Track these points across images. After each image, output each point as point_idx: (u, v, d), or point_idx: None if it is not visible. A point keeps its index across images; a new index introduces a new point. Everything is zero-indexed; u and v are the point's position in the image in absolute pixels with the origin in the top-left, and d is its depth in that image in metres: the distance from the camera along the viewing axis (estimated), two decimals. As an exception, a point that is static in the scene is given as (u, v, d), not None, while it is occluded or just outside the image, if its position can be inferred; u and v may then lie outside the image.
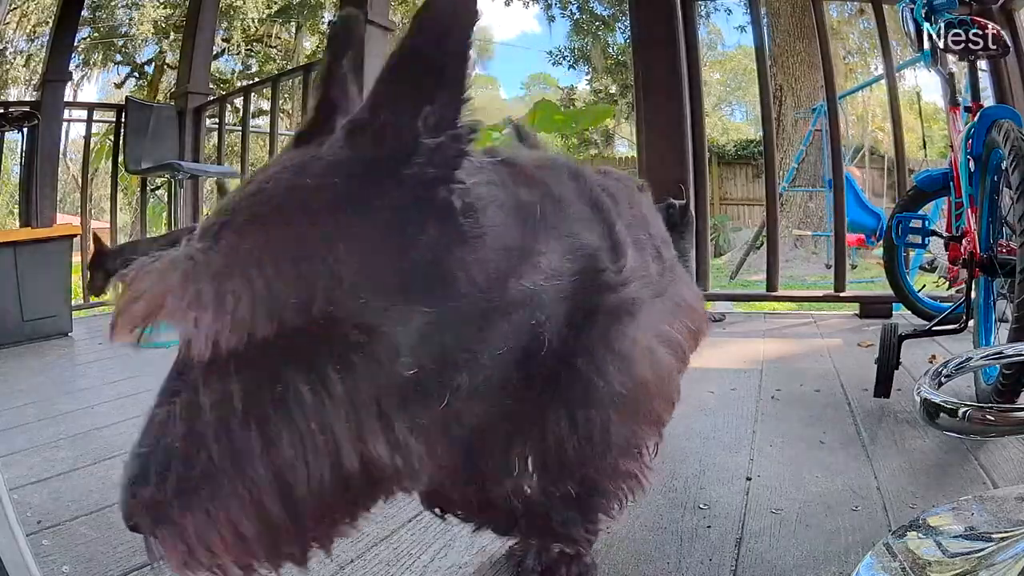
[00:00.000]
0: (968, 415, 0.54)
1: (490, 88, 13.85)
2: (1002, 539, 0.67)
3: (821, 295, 3.07)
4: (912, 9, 1.82)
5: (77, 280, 3.46)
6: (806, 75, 7.87)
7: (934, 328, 1.68)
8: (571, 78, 12.06)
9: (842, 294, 2.89)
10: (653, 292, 0.77)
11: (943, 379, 0.67)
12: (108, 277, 0.47)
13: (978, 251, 1.54)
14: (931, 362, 1.84)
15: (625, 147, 11.55)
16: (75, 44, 4.26)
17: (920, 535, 0.78)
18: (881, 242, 3.04)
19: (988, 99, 2.37)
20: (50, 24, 3.81)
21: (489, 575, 0.88)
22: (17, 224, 3.91)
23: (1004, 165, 1.38)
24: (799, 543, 0.93)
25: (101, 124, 5.04)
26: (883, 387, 1.56)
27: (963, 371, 0.74)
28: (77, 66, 9.91)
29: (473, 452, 0.64)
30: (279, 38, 11.27)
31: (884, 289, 2.62)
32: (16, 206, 4.35)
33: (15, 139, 4.15)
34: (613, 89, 11.48)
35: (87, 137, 4.10)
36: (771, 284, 2.94)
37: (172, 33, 9.89)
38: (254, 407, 0.45)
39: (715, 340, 2.30)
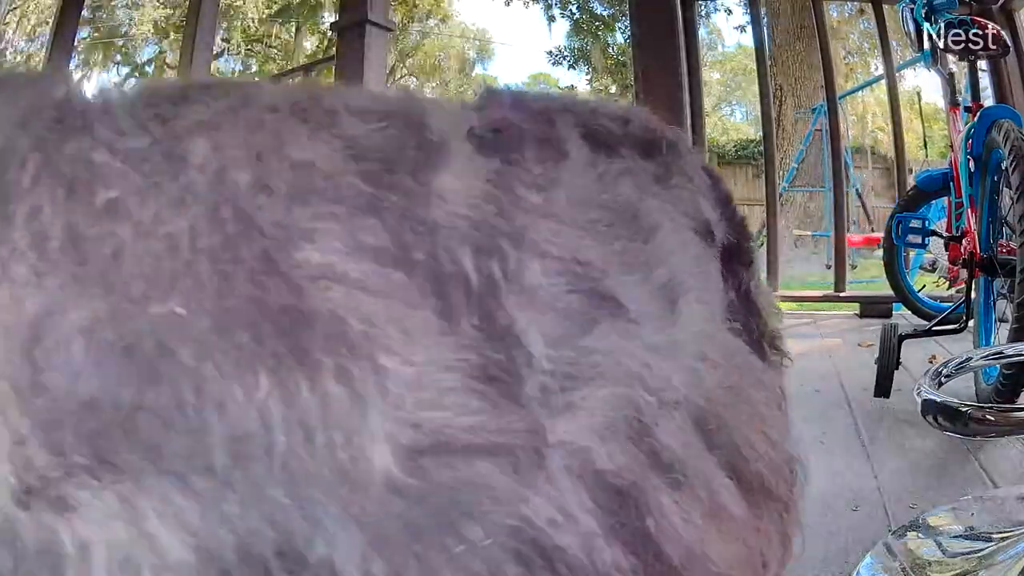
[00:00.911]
0: (968, 415, 0.54)
1: (490, 88, 13.84)
2: (1002, 539, 0.67)
3: (821, 295, 3.07)
4: (912, 9, 1.82)
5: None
6: (806, 75, 7.86)
7: (934, 328, 1.68)
8: (571, 78, 12.06)
9: (842, 294, 2.89)
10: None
11: (943, 379, 0.67)
12: None
13: (978, 251, 1.54)
14: (931, 362, 1.83)
15: (625, 147, 11.52)
16: (75, 44, 4.26)
17: (920, 535, 0.77)
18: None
19: (988, 99, 2.36)
20: (50, 24, 3.81)
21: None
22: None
23: (1004, 165, 1.38)
24: (799, 543, 0.93)
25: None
26: (883, 387, 1.56)
27: (963, 371, 0.74)
28: (77, 66, 9.92)
29: None
30: (279, 38, 11.28)
31: (884, 289, 2.62)
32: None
33: (15, 139, 4.15)
34: (613, 89, 11.47)
35: (87, 137, 4.10)
36: (771, 284, 2.94)
37: (172, 33, 9.89)
38: None
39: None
